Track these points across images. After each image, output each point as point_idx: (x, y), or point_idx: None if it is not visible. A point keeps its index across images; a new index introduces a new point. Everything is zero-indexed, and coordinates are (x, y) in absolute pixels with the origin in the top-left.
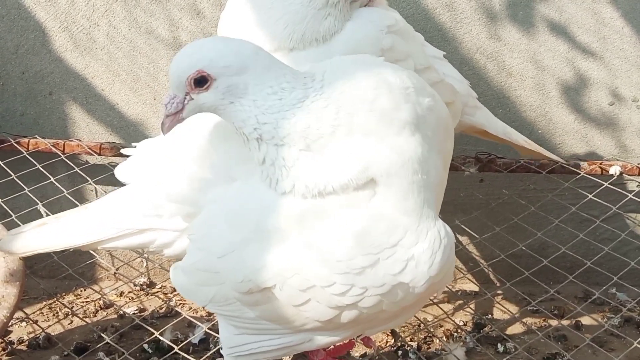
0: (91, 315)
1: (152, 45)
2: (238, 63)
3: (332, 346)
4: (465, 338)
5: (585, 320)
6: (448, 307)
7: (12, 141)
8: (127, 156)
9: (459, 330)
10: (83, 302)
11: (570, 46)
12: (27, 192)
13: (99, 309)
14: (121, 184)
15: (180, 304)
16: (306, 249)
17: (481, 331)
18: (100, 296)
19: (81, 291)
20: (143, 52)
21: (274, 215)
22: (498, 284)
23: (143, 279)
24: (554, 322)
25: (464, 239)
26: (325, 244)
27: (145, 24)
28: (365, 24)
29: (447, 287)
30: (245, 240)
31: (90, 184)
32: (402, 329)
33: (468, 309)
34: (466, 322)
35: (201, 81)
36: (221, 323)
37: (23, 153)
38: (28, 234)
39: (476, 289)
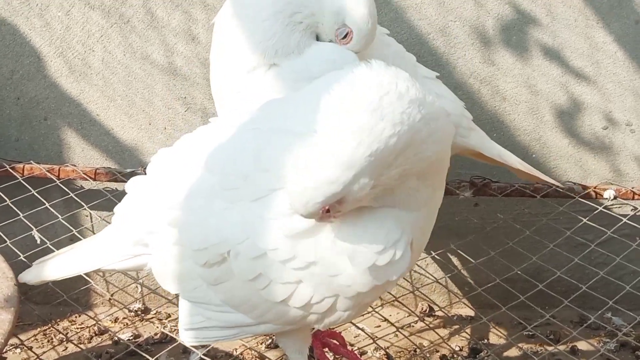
0: (86, 341)
1: (147, 71)
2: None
3: None
4: None
5: (581, 345)
6: (444, 332)
7: (7, 167)
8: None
9: (455, 356)
10: (78, 328)
11: (564, 70)
12: (22, 218)
13: (93, 335)
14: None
15: (175, 330)
16: (259, 210)
17: (477, 356)
18: (95, 322)
19: (76, 317)
20: (138, 77)
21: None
22: (494, 309)
23: (138, 305)
24: (549, 347)
25: (459, 263)
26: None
27: (141, 49)
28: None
29: (442, 311)
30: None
31: (85, 209)
32: (398, 354)
33: (464, 334)
34: (462, 347)
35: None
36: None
37: (18, 179)
38: (47, 264)
39: (472, 313)
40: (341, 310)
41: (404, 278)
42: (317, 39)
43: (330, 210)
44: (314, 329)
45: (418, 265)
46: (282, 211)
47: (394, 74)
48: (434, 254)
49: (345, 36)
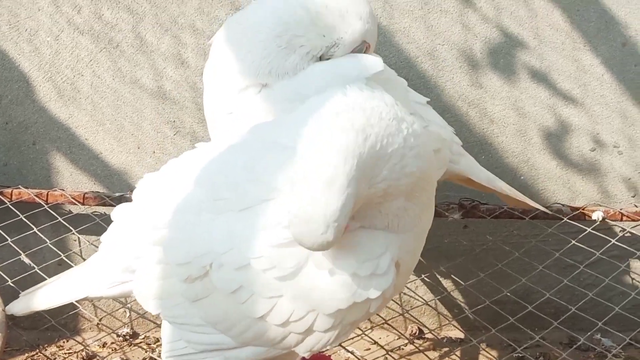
0: None
1: (137, 95)
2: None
3: None
4: None
5: None
6: (434, 354)
7: None
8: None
9: None
10: (65, 353)
11: (551, 93)
12: (10, 243)
13: None
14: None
15: None
16: (247, 220)
17: None
18: (82, 347)
19: (64, 342)
20: (127, 102)
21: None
22: (483, 331)
23: (126, 330)
24: None
25: (449, 286)
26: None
27: (130, 74)
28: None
29: (432, 334)
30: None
31: (73, 233)
32: None
33: (454, 356)
34: None
35: None
36: (170, 328)
37: (6, 204)
38: (35, 294)
39: (462, 335)
40: (321, 330)
41: (393, 300)
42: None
43: None
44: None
45: (408, 288)
46: (270, 221)
47: (377, 96)
48: (423, 276)
49: (365, 51)
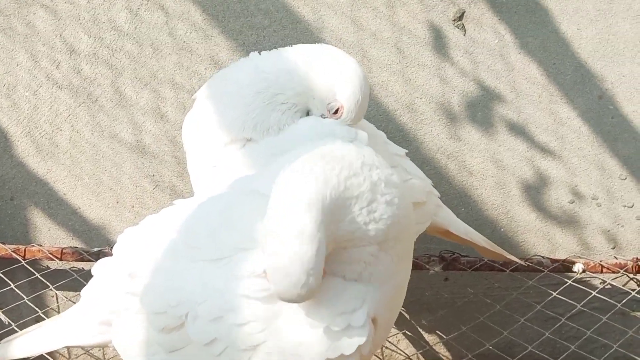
0: None
1: (115, 149)
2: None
3: None
4: None
5: None
6: None
7: None
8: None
9: None
10: None
11: (529, 145)
12: None
13: None
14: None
15: None
16: (222, 271)
17: None
18: None
19: None
20: (106, 156)
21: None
22: None
23: None
24: None
25: (431, 339)
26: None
27: (109, 128)
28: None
29: None
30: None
31: (51, 289)
32: None
33: None
34: None
35: None
36: None
37: None
38: (14, 343)
39: None
40: None
41: (375, 355)
42: (308, 114)
43: None
44: None
45: (389, 342)
46: (244, 272)
47: (350, 146)
48: (405, 329)
49: (336, 111)
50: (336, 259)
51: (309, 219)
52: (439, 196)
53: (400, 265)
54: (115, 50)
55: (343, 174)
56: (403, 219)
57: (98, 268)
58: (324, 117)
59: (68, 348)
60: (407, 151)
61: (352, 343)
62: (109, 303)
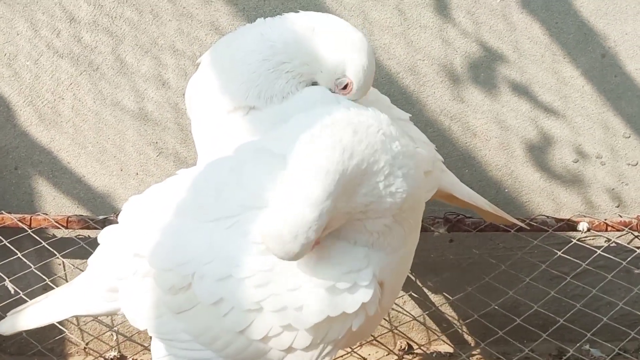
0: None
1: (118, 117)
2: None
3: None
4: None
5: None
6: None
7: None
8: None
9: None
10: None
11: (533, 106)
12: None
13: None
14: (89, 256)
15: None
16: (230, 230)
17: None
18: None
19: None
20: (109, 124)
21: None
22: (472, 345)
23: (114, 353)
24: None
25: (437, 300)
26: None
27: (111, 96)
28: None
29: (421, 349)
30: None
31: (58, 257)
32: None
33: None
34: None
35: None
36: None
37: None
38: (22, 313)
39: (451, 350)
40: (301, 347)
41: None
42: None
43: None
44: None
45: (395, 303)
46: (251, 232)
47: (371, 114)
48: (411, 291)
49: (345, 87)
50: (349, 228)
51: (321, 185)
52: (443, 160)
53: (410, 236)
54: (115, 17)
55: (367, 148)
56: (417, 190)
57: (104, 236)
58: (317, 86)
59: (77, 316)
60: (410, 115)
61: (355, 300)
62: (116, 270)
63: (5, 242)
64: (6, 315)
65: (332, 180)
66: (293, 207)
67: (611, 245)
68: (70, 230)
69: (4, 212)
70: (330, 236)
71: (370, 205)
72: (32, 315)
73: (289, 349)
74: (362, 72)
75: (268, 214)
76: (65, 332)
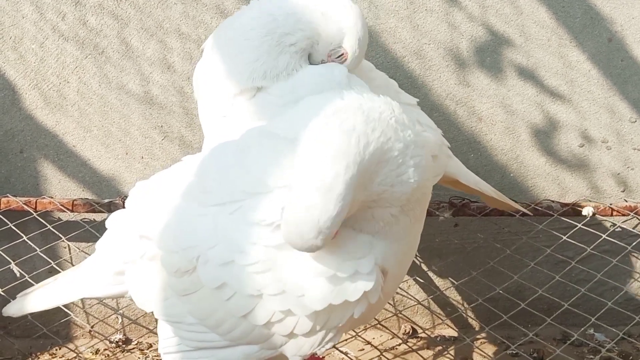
0: None
1: (123, 100)
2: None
3: None
4: None
5: None
6: (428, 353)
7: None
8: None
9: None
10: None
11: (539, 90)
12: (0, 252)
13: None
14: (95, 240)
15: (157, 359)
16: (234, 215)
17: None
18: (75, 354)
19: (56, 350)
20: (114, 107)
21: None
22: (477, 329)
23: (119, 336)
24: None
25: (442, 284)
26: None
27: (116, 79)
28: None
29: (425, 333)
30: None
31: (63, 241)
32: None
33: (448, 355)
34: None
35: None
36: (165, 325)
37: None
38: (31, 296)
39: (455, 334)
40: (302, 333)
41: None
42: (309, 59)
43: None
44: None
45: (400, 288)
46: (255, 219)
47: (383, 101)
48: (415, 275)
49: (339, 56)
50: (357, 216)
51: (343, 178)
52: (449, 146)
53: (415, 225)
54: (121, 0)
55: (381, 136)
56: (426, 182)
57: (112, 221)
58: (324, 62)
59: (83, 299)
60: (418, 100)
61: (357, 288)
62: (123, 254)
63: (10, 225)
64: (13, 298)
65: (352, 172)
66: (314, 203)
67: (616, 229)
68: (75, 213)
69: (9, 195)
70: None
71: (383, 194)
72: (40, 298)
73: (291, 334)
74: (357, 43)
75: (288, 209)
76: (70, 314)
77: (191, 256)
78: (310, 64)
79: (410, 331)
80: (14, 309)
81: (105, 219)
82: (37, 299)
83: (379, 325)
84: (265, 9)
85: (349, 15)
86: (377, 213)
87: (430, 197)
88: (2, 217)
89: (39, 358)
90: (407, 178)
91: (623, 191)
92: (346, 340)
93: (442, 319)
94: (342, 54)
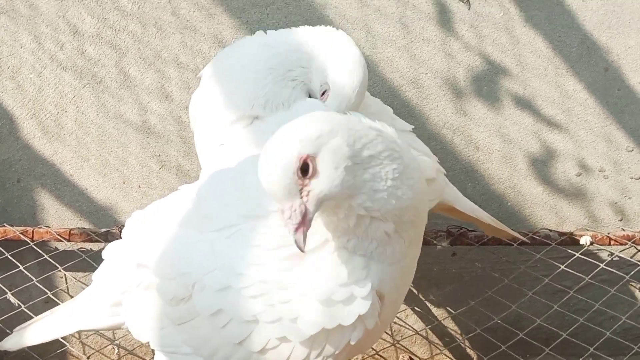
0: None
1: (121, 129)
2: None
3: None
4: None
5: None
6: None
7: None
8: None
9: None
10: None
11: (536, 119)
12: None
13: None
14: (92, 269)
15: None
16: (228, 238)
17: None
18: None
19: None
20: (112, 137)
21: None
22: (475, 359)
23: None
24: None
25: (439, 314)
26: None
27: (114, 109)
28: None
29: None
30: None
31: (60, 270)
32: None
33: None
34: None
35: (305, 169)
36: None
37: None
38: (28, 329)
39: None
40: None
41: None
42: (310, 95)
43: (303, 175)
44: None
45: (398, 317)
46: (253, 243)
47: (376, 124)
48: (413, 305)
49: (323, 93)
50: (350, 233)
51: (328, 118)
52: (445, 173)
53: (411, 249)
54: (119, 30)
55: (373, 141)
56: (420, 204)
57: (108, 251)
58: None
59: (79, 332)
60: (413, 127)
61: (351, 312)
62: (120, 284)
63: (7, 254)
64: (8, 329)
65: (333, 126)
66: (294, 129)
67: (614, 259)
68: (72, 243)
69: (6, 225)
70: (329, 245)
71: (376, 196)
72: (37, 331)
73: None
74: (341, 81)
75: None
76: (66, 345)
77: (188, 282)
78: (310, 97)
79: None
80: (10, 343)
81: (103, 249)
82: (34, 332)
83: (376, 356)
84: (270, 43)
85: (337, 52)
86: (370, 230)
87: (428, 225)
88: None
89: None
90: (402, 193)
91: (620, 220)
92: None
93: (440, 349)
94: (325, 90)
